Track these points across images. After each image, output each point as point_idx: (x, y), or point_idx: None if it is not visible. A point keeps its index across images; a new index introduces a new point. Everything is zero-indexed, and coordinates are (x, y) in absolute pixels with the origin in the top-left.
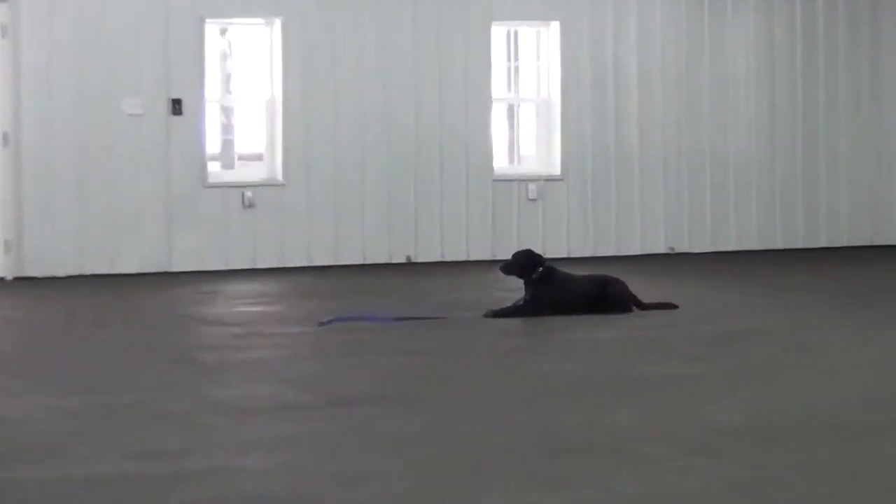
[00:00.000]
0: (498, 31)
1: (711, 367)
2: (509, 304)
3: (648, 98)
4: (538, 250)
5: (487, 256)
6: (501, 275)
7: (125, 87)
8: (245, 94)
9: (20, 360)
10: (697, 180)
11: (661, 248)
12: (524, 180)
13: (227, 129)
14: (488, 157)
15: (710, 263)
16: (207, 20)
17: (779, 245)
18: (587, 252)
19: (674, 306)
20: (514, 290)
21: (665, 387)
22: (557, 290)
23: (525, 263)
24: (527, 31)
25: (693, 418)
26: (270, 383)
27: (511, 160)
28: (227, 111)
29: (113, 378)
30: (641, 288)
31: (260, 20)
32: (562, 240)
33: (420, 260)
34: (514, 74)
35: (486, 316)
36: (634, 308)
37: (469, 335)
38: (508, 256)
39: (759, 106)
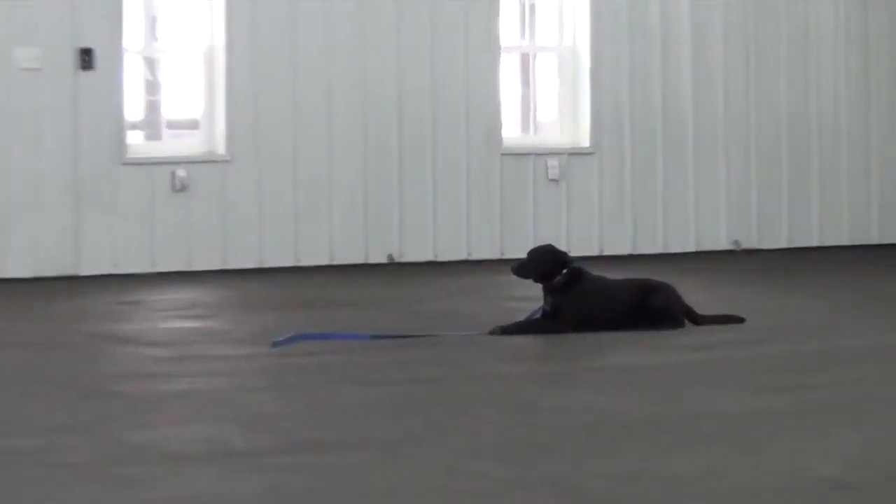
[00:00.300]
0: None
1: (792, 401)
2: (523, 317)
3: (706, 47)
4: (561, 247)
5: (494, 255)
6: (514, 278)
7: (18, 35)
8: (176, 42)
9: None
10: (770, 157)
11: (722, 244)
12: (542, 154)
13: (152, 87)
14: (495, 124)
15: (787, 263)
16: None
17: (875, 240)
18: (625, 249)
19: (739, 320)
20: (529, 299)
21: (731, 427)
22: (587, 299)
23: (545, 261)
24: None
25: (771, 469)
26: (210, 422)
27: (525, 128)
28: (152, 64)
29: (4, 416)
30: (697, 296)
31: None
32: (592, 233)
33: (406, 260)
34: (529, 16)
35: (493, 333)
36: (687, 322)
37: (470, 358)
38: (523, 255)
39: (850, 63)
